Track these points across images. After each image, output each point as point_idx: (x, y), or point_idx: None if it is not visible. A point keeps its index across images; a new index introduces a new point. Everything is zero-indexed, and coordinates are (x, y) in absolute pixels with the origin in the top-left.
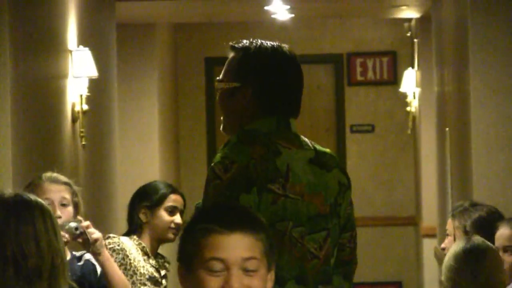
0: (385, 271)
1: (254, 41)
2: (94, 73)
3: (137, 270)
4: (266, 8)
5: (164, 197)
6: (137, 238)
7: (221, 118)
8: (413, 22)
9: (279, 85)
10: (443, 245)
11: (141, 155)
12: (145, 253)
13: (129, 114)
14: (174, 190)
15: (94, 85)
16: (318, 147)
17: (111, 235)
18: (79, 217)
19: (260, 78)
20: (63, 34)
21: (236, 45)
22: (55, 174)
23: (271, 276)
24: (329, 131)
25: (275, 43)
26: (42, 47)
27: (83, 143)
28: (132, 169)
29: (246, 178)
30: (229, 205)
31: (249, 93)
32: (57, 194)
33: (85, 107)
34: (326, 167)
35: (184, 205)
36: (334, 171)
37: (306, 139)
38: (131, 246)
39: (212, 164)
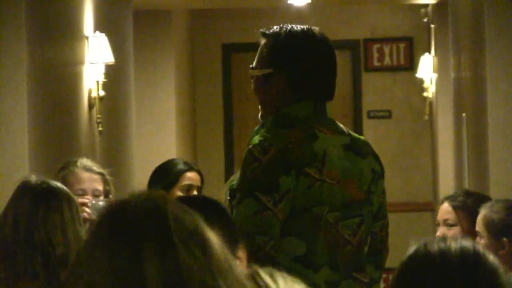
0: (402, 257)
1: (284, 26)
2: (110, 59)
3: None
4: None
5: (178, 176)
6: None
7: (259, 106)
8: (429, 8)
9: (312, 69)
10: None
11: (158, 142)
12: None
13: (146, 101)
14: (189, 168)
15: (110, 71)
16: (353, 133)
17: None
18: (111, 196)
19: (293, 63)
20: (79, 20)
21: (266, 32)
22: (90, 163)
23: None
24: (346, 117)
25: (305, 27)
26: (58, 33)
27: (100, 129)
28: (148, 156)
29: (285, 160)
30: (199, 198)
31: (282, 79)
32: (91, 183)
33: (102, 93)
34: (360, 154)
35: (202, 182)
36: (369, 158)
37: (341, 125)
38: None
39: (250, 147)
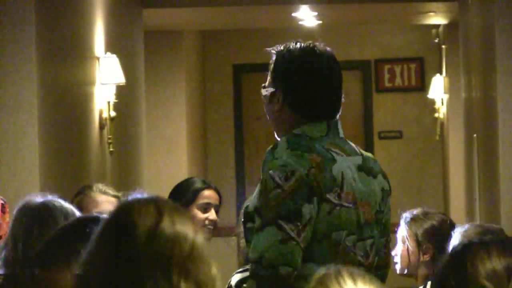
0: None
1: (288, 44)
2: (121, 79)
3: None
4: (293, 14)
5: (195, 195)
6: None
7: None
8: (440, 29)
9: (313, 86)
10: (394, 252)
11: (169, 162)
12: None
13: (157, 121)
14: (207, 186)
15: (121, 91)
16: (363, 151)
17: None
18: None
19: (291, 82)
20: (90, 41)
21: (272, 50)
22: (105, 187)
23: None
24: (357, 137)
25: (307, 44)
26: (69, 54)
27: (111, 149)
28: (159, 176)
29: (307, 188)
30: None
31: (283, 98)
32: (107, 205)
33: (113, 113)
34: (372, 174)
35: (220, 200)
36: (379, 177)
37: (352, 144)
38: None
39: (271, 172)
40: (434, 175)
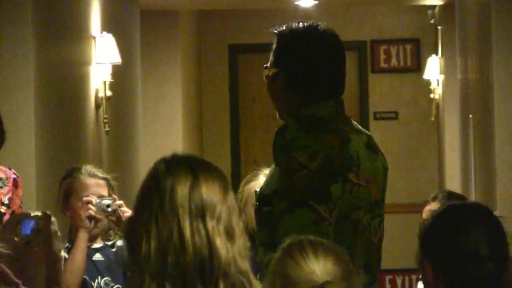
0: (408, 258)
1: (291, 24)
2: (117, 59)
3: None
4: None
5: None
6: None
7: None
8: (436, 9)
9: (315, 66)
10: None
11: (164, 142)
12: None
13: (153, 101)
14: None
15: (117, 71)
16: (364, 130)
17: None
18: (113, 196)
19: (294, 62)
20: (87, 20)
21: (275, 31)
22: (94, 169)
23: None
24: (352, 118)
25: (310, 23)
26: (65, 33)
27: (107, 129)
28: (155, 155)
29: (332, 167)
30: None
31: (287, 79)
32: (97, 189)
33: (109, 93)
34: (376, 152)
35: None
36: (380, 155)
37: (355, 122)
38: None
39: (293, 153)
40: (430, 156)
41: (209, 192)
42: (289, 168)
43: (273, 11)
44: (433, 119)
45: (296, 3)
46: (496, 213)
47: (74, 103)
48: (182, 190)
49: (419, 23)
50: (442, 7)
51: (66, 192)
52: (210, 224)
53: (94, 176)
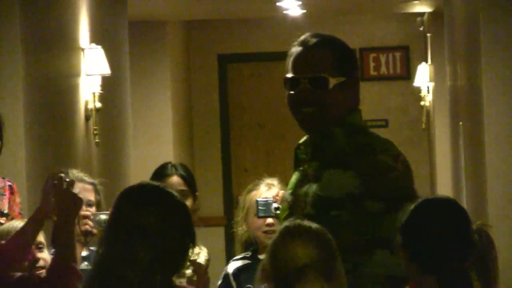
0: None
1: (323, 34)
2: (106, 70)
3: None
4: (278, 4)
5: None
6: None
7: (311, 114)
8: (425, 17)
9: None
10: None
11: (155, 151)
12: None
13: (143, 111)
14: (168, 174)
15: (107, 82)
16: None
17: None
18: (103, 206)
19: (352, 70)
20: (75, 32)
21: (315, 40)
22: (81, 174)
23: None
24: None
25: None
26: (54, 45)
27: (97, 140)
28: (146, 165)
29: (410, 168)
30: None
31: (353, 87)
32: (84, 194)
33: (98, 104)
34: None
35: (189, 185)
36: None
37: None
38: None
39: (378, 156)
40: (421, 163)
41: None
42: (378, 170)
43: (262, 20)
44: (423, 126)
45: (284, 12)
46: (480, 223)
47: (63, 115)
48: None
49: (408, 31)
50: (431, 14)
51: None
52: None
53: (81, 180)
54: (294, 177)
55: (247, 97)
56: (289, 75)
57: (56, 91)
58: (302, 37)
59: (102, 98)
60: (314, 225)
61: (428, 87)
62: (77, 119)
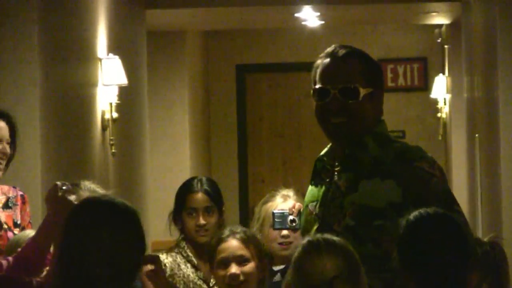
0: None
1: (352, 47)
2: (124, 81)
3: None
4: (296, 15)
5: (180, 202)
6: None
7: (340, 124)
8: (443, 29)
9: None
10: None
11: (172, 162)
12: (192, 266)
13: (160, 121)
14: (193, 191)
15: (124, 93)
16: None
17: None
18: None
19: (381, 81)
20: (93, 42)
21: (346, 51)
22: (93, 185)
23: None
24: None
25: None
26: (72, 55)
27: (113, 151)
28: (163, 176)
29: (444, 173)
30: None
31: (379, 95)
32: None
33: (115, 115)
34: None
35: (214, 201)
36: None
37: None
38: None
39: (416, 164)
40: None
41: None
42: (419, 178)
43: (280, 31)
44: (440, 138)
45: (303, 23)
46: (493, 236)
47: (80, 124)
48: None
49: (426, 42)
50: (448, 26)
51: None
52: None
53: (93, 192)
54: (314, 189)
55: (264, 107)
56: (318, 85)
57: (72, 101)
58: (330, 49)
59: (119, 108)
60: (336, 238)
61: (445, 99)
62: (93, 129)
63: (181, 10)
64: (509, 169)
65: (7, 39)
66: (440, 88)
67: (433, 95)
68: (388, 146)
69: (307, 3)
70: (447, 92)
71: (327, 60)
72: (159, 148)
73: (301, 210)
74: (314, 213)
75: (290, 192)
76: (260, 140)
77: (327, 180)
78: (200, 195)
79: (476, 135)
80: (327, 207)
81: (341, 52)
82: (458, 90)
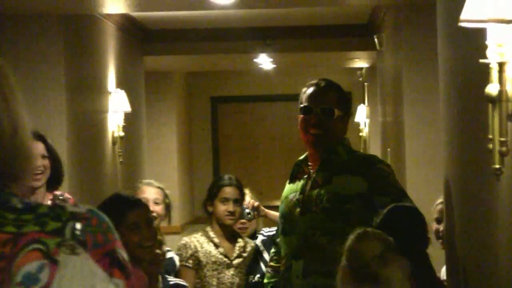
0: None
1: (326, 79)
2: (128, 108)
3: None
4: (255, 60)
5: (217, 191)
6: (209, 229)
7: (318, 135)
8: (363, 70)
9: (350, 114)
10: None
11: (163, 169)
12: (214, 244)
13: (155, 140)
14: (227, 184)
15: (128, 117)
16: None
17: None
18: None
19: (349, 107)
20: (105, 79)
21: (324, 83)
22: (151, 180)
23: None
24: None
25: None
26: (89, 89)
27: (121, 160)
28: (157, 179)
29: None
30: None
31: (347, 117)
32: (151, 194)
33: (122, 133)
34: None
35: (241, 195)
36: None
37: None
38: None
39: (381, 165)
40: None
41: None
42: (381, 175)
43: (243, 71)
44: (362, 151)
45: (259, 66)
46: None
47: (96, 141)
48: None
49: (351, 80)
50: (367, 68)
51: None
52: None
53: (150, 185)
54: (292, 186)
55: (232, 129)
56: (304, 104)
57: (90, 123)
58: (314, 80)
59: (124, 129)
60: (376, 230)
61: (365, 122)
62: (106, 144)
63: (170, 56)
64: (412, 175)
65: (40, 77)
66: (362, 114)
67: (356, 119)
68: (353, 154)
69: (263, 52)
70: (367, 117)
71: (312, 88)
72: (154, 159)
73: (255, 205)
74: (293, 200)
75: (247, 191)
76: (229, 154)
77: (305, 176)
78: (233, 189)
79: (388, 149)
80: (306, 195)
81: (323, 83)
82: (374, 116)
